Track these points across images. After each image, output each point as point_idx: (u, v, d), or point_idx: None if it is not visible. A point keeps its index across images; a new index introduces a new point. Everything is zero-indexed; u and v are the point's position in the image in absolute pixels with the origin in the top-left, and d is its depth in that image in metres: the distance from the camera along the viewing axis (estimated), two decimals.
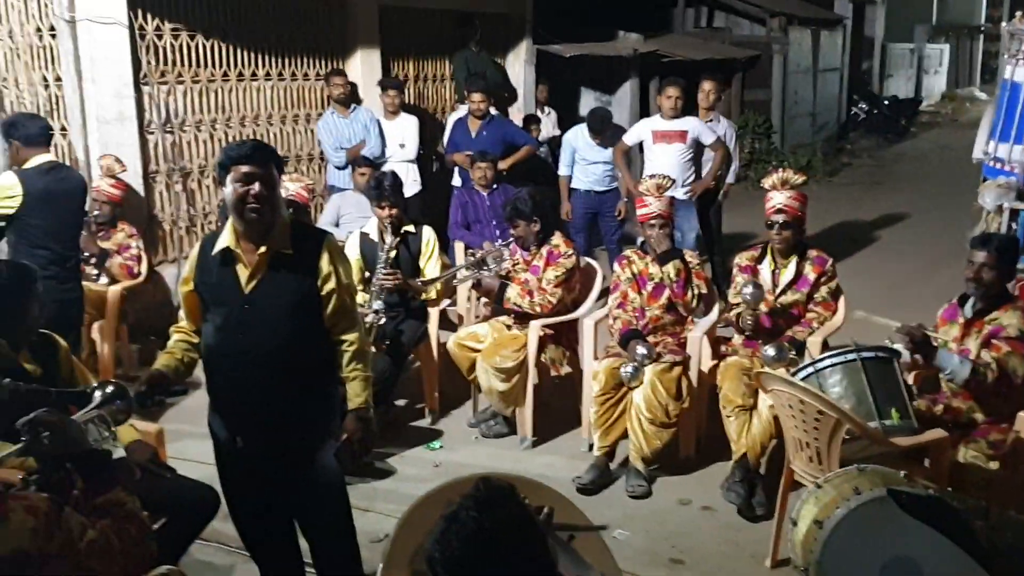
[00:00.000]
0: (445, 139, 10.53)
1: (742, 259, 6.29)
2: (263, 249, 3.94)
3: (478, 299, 7.58)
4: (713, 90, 9.60)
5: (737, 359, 6.03)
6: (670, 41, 16.30)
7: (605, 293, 6.97)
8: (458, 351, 6.80)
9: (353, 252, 6.82)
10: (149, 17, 8.70)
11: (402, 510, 3.34)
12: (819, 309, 6.08)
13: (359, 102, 10.32)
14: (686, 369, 6.09)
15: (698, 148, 9.24)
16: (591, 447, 6.30)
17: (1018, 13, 8.61)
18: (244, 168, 3.88)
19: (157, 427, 5.01)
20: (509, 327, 6.79)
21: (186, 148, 9.18)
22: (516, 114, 12.50)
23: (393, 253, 6.72)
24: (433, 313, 7.08)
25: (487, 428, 6.97)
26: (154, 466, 4.50)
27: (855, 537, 3.73)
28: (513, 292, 6.65)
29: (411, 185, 9.60)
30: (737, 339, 6.27)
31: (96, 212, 7.89)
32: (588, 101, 15.02)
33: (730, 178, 10.02)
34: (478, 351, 6.68)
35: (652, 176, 6.52)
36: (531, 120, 12.08)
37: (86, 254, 7.58)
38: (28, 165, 6.40)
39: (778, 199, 6.00)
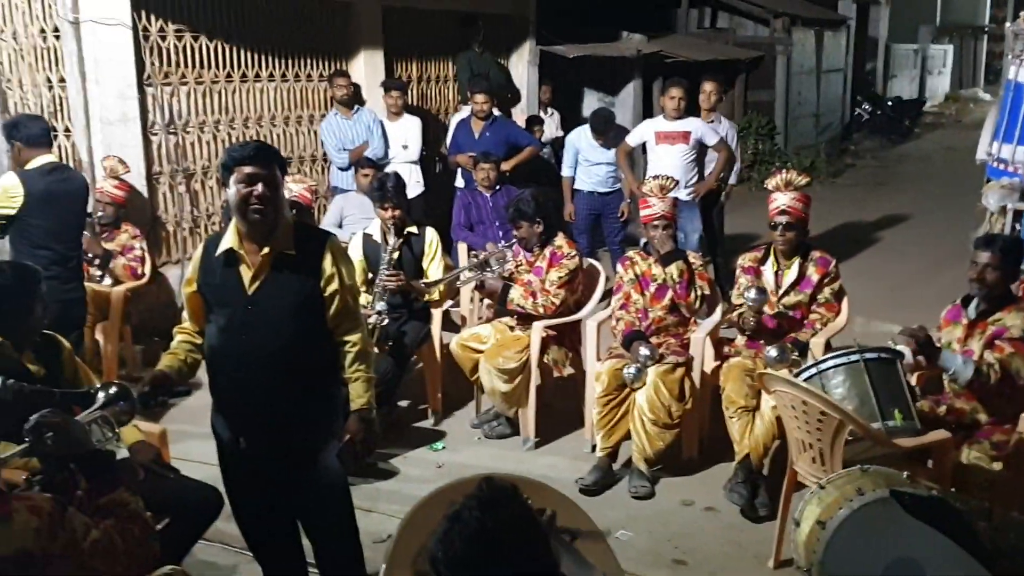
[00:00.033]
0: (448, 140, 10.54)
1: (745, 260, 6.29)
2: (266, 250, 3.95)
3: (481, 300, 7.58)
4: (714, 91, 9.60)
5: (740, 360, 6.02)
6: (673, 42, 16.30)
7: (608, 294, 6.97)
8: (461, 352, 6.80)
9: (356, 253, 6.82)
10: (153, 18, 8.70)
11: (405, 511, 3.35)
12: (822, 310, 6.08)
13: (362, 103, 10.32)
14: (689, 370, 6.10)
15: (701, 149, 9.24)
16: (594, 448, 6.31)
17: (1022, 13, 8.60)
18: (247, 169, 3.88)
19: (160, 428, 5.01)
20: (512, 328, 6.80)
21: (189, 149, 9.18)
22: (519, 115, 12.50)
23: (396, 254, 6.72)
24: (436, 314, 7.09)
25: (490, 429, 6.98)
26: (157, 467, 4.52)
27: (858, 538, 3.73)
28: (516, 293, 6.65)
29: (414, 186, 9.59)
30: (740, 340, 6.26)
31: (100, 213, 7.91)
32: (591, 102, 15.01)
33: (732, 179, 10.02)
34: (481, 352, 6.68)
35: (655, 177, 6.52)
36: (534, 121, 12.08)
37: (90, 255, 7.60)
38: (30, 166, 6.42)
39: (781, 200, 6.00)
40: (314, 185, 8.64)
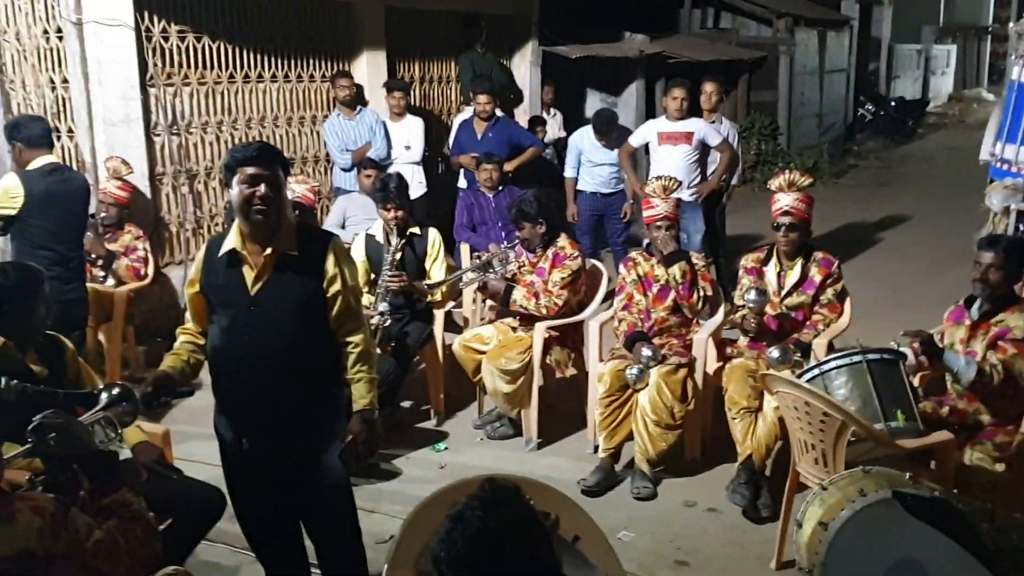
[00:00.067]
0: (451, 141, 10.53)
1: (748, 261, 6.28)
2: (269, 251, 3.95)
3: (483, 301, 7.58)
4: (715, 91, 9.59)
5: (743, 361, 6.02)
6: (676, 42, 16.29)
7: (610, 295, 6.97)
8: (463, 353, 6.81)
9: (359, 254, 6.83)
10: (156, 19, 8.71)
11: (407, 511, 3.35)
12: (825, 311, 6.07)
13: (365, 104, 10.32)
14: (691, 371, 6.10)
15: (704, 149, 9.24)
16: (596, 449, 6.31)
17: None
18: (250, 170, 3.88)
19: (163, 428, 5.02)
20: (514, 329, 6.80)
21: (192, 150, 9.19)
22: (522, 115, 12.51)
23: (398, 255, 6.72)
24: (438, 315, 7.09)
25: (492, 430, 6.98)
26: (160, 467, 4.52)
27: (860, 539, 3.73)
28: (519, 294, 6.65)
29: (417, 187, 9.60)
30: (742, 341, 6.26)
31: (103, 214, 7.92)
32: (594, 102, 15.01)
33: (733, 180, 10.02)
34: (483, 353, 6.68)
35: (658, 178, 6.52)
36: (537, 122, 12.09)
37: (93, 256, 7.61)
38: (31, 167, 6.46)
39: (784, 201, 5.99)
40: (317, 186, 8.64)
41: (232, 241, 4.00)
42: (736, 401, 5.79)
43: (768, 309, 6.02)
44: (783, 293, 6.08)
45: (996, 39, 38.00)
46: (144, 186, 8.63)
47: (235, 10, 9.45)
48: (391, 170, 8.39)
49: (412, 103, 10.85)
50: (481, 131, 9.96)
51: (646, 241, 6.70)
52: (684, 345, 6.28)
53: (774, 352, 5.74)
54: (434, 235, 6.95)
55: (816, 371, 4.91)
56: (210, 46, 9.22)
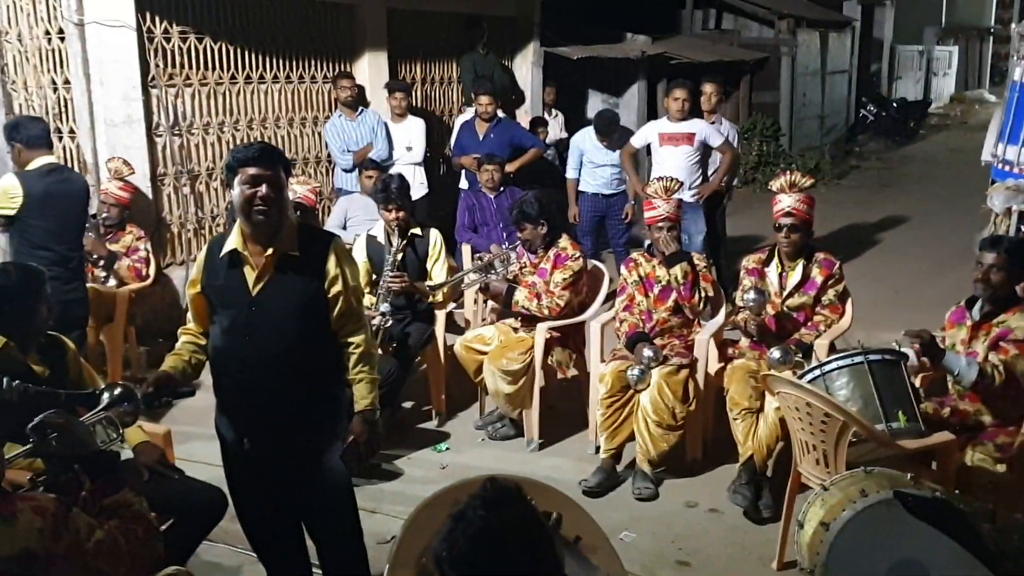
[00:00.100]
0: (452, 142, 10.54)
1: (749, 262, 6.28)
2: (270, 251, 3.95)
3: (485, 302, 7.58)
4: (714, 92, 9.59)
5: (744, 362, 6.02)
6: (678, 43, 16.30)
7: (612, 296, 6.97)
8: (465, 353, 6.81)
9: (360, 255, 6.83)
10: (157, 20, 8.71)
11: (408, 512, 3.35)
12: (826, 312, 6.07)
13: (366, 105, 10.33)
14: (693, 372, 6.10)
15: (705, 150, 9.24)
16: (597, 449, 6.31)
17: None
18: (251, 170, 3.88)
19: (165, 429, 5.02)
20: (516, 330, 6.80)
21: (194, 150, 9.20)
22: (523, 116, 12.51)
23: (400, 256, 6.72)
24: (440, 315, 7.09)
25: (494, 430, 6.98)
26: (162, 467, 4.52)
27: (861, 539, 3.73)
28: (521, 295, 6.65)
29: (418, 188, 9.60)
30: (744, 342, 6.25)
31: (104, 215, 7.94)
32: (595, 103, 15.01)
33: (734, 180, 10.01)
34: (485, 353, 6.69)
35: (660, 178, 6.52)
36: (538, 122, 12.09)
37: (94, 256, 7.63)
38: (30, 167, 6.49)
39: (786, 202, 5.99)
40: (318, 187, 8.65)
41: (233, 241, 4.00)
42: (737, 402, 5.78)
43: (769, 310, 6.01)
44: (784, 294, 6.08)
45: (998, 40, 38.00)
46: (145, 187, 8.63)
47: (237, 11, 9.45)
48: (392, 171, 8.38)
49: (414, 104, 10.85)
50: (483, 132, 9.96)
51: (647, 242, 6.70)
52: (685, 346, 6.28)
53: (775, 353, 5.74)
54: (435, 236, 6.95)
55: (817, 372, 4.91)
56: (212, 47, 9.22)
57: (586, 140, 9.99)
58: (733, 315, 6.31)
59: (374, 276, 6.80)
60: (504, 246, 7.28)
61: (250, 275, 3.99)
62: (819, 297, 6.07)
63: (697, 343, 6.27)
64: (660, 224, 6.28)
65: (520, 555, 2.40)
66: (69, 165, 8.37)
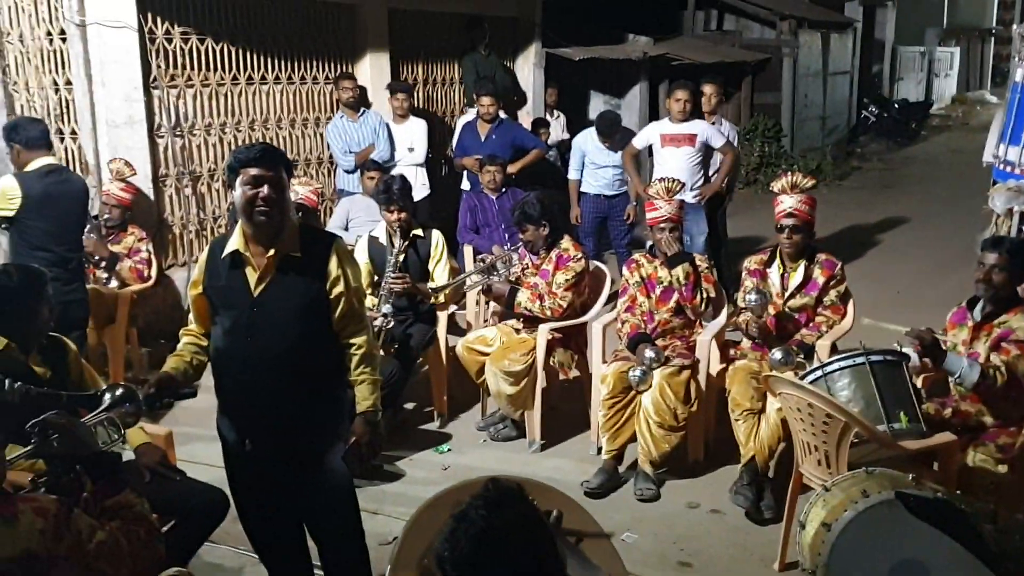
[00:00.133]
0: (454, 143, 10.54)
1: (751, 263, 6.28)
2: (272, 252, 3.95)
3: (487, 303, 7.58)
4: (714, 93, 9.59)
5: (746, 363, 6.02)
6: (680, 44, 16.30)
7: (614, 297, 6.97)
8: (467, 354, 6.81)
9: (362, 256, 6.84)
10: (159, 21, 8.71)
11: (410, 513, 3.35)
12: (828, 313, 6.07)
13: (368, 106, 10.33)
14: (695, 373, 6.09)
15: (707, 151, 9.23)
16: (599, 450, 6.30)
17: None
18: (253, 171, 3.88)
19: (166, 430, 5.02)
20: (518, 331, 6.80)
21: (196, 151, 9.20)
22: (525, 117, 12.51)
23: (402, 257, 6.73)
24: (442, 316, 7.09)
25: (495, 431, 6.97)
26: (163, 468, 4.53)
27: (863, 540, 3.73)
28: (524, 296, 6.65)
29: (420, 189, 9.59)
30: (746, 343, 6.25)
31: (106, 216, 7.94)
32: (597, 104, 15.02)
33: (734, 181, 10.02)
34: (487, 355, 6.69)
35: (661, 179, 6.52)
36: (540, 124, 12.09)
37: (96, 258, 7.63)
38: (29, 168, 6.50)
39: (788, 203, 5.99)
40: (320, 188, 8.65)
41: (235, 242, 4.00)
42: (739, 403, 5.78)
43: (771, 310, 6.01)
44: (786, 295, 6.08)
45: (999, 41, 38.01)
46: (147, 188, 8.63)
47: (238, 12, 9.46)
48: (394, 172, 8.39)
49: (415, 105, 10.86)
50: (484, 133, 9.96)
51: (649, 243, 6.70)
52: (687, 347, 6.27)
53: (777, 354, 5.74)
54: (437, 237, 6.96)
55: (819, 373, 4.91)
56: (213, 48, 9.22)
57: (588, 141, 9.99)
58: (735, 316, 6.31)
59: (376, 277, 6.80)
60: (506, 247, 7.28)
61: (252, 276, 3.99)
62: (821, 298, 6.07)
63: (699, 344, 6.26)
64: (662, 225, 6.28)
65: (522, 555, 2.41)
66: (71, 166, 8.40)
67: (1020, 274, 5.08)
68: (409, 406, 7.39)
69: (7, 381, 3.84)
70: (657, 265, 6.37)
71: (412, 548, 3.12)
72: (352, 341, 4.14)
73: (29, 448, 3.36)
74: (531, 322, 6.72)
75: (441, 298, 6.89)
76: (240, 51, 9.48)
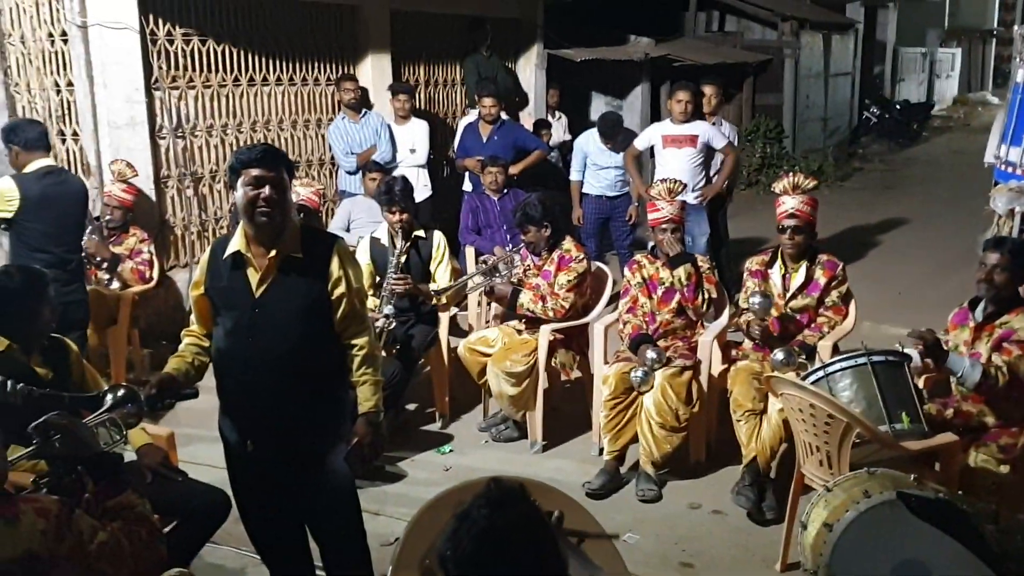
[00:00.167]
0: (456, 144, 10.53)
1: (753, 264, 6.28)
2: (273, 253, 3.95)
3: (488, 305, 7.58)
4: (714, 94, 9.60)
5: (747, 363, 6.02)
6: (681, 45, 16.30)
7: (616, 298, 6.97)
8: (468, 355, 6.81)
9: (364, 257, 6.84)
10: (160, 22, 8.72)
11: (412, 513, 3.35)
12: (830, 313, 6.07)
13: (370, 107, 10.34)
14: (696, 373, 6.09)
15: (708, 152, 9.24)
16: (601, 451, 6.29)
17: None
18: (255, 172, 3.89)
19: (168, 431, 5.02)
20: (520, 331, 6.80)
21: (197, 153, 9.21)
22: (527, 119, 12.51)
23: (403, 258, 6.73)
24: (443, 317, 7.09)
25: (497, 432, 6.97)
26: (165, 469, 4.52)
27: (865, 540, 3.73)
28: (526, 298, 6.65)
29: (422, 190, 9.60)
30: (747, 343, 6.25)
31: (108, 217, 7.94)
32: (599, 105, 15.03)
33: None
34: (488, 355, 6.68)
35: (663, 180, 6.52)
36: (542, 125, 12.08)
37: (97, 259, 7.63)
38: (27, 170, 6.50)
39: (789, 203, 5.99)
40: (321, 189, 8.65)
41: (237, 243, 4.01)
42: (741, 403, 5.78)
43: (772, 311, 6.01)
44: (788, 296, 6.08)
45: (1001, 42, 38.03)
46: (149, 189, 8.64)
47: (240, 13, 9.46)
48: (396, 173, 8.40)
49: (417, 106, 10.86)
50: (486, 134, 9.95)
51: (651, 244, 6.69)
52: (689, 347, 6.27)
53: (778, 354, 5.74)
54: (439, 238, 6.96)
55: (821, 373, 4.91)
56: (215, 49, 9.23)
57: (590, 142, 9.99)
58: (736, 317, 6.31)
59: (377, 278, 6.80)
60: (508, 248, 7.28)
61: (253, 277, 3.99)
62: (822, 299, 6.07)
63: (700, 345, 6.26)
64: (664, 226, 6.28)
65: (524, 555, 2.40)
66: (72, 168, 8.42)
67: (1022, 274, 5.07)
68: (411, 407, 7.39)
69: (9, 382, 3.84)
70: (659, 266, 6.37)
71: (413, 549, 3.12)
72: (354, 342, 4.14)
73: (31, 449, 3.36)
74: (533, 323, 6.72)
75: (443, 299, 6.89)
76: (242, 52, 9.49)
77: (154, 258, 8.10)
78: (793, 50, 17.92)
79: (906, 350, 4.89)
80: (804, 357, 5.82)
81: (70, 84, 8.39)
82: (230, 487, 4.37)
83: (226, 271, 4.04)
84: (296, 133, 10.20)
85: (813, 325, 6.06)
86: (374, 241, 7.00)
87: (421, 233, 6.88)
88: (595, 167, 9.94)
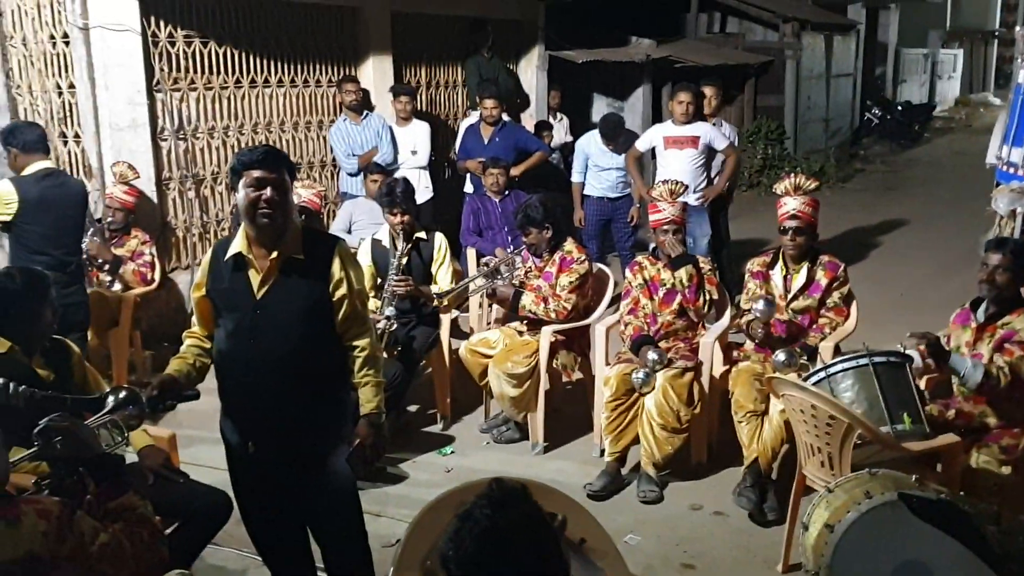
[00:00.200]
0: (457, 145, 10.53)
1: (754, 265, 6.28)
2: (275, 254, 3.95)
3: (490, 307, 7.58)
4: (714, 95, 9.59)
5: (749, 364, 6.02)
6: (683, 46, 16.31)
7: (617, 299, 6.97)
8: (470, 357, 6.80)
9: (365, 258, 6.85)
10: (162, 24, 8.72)
11: (413, 515, 3.35)
12: (831, 314, 6.07)
13: (371, 108, 10.34)
14: (698, 375, 6.09)
15: (710, 153, 9.24)
16: (602, 453, 6.29)
17: None
18: (256, 173, 3.89)
19: (169, 432, 5.02)
20: (521, 333, 6.80)
21: (199, 155, 9.21)
22: (528, 120, 12.51)
23: (405, 259, 6.73)
24: (445, 319, 7.09)
25: (498, 434, 6.97)
26: (166, 471, 4.52)
27: (866, 541, 3.73)
28: (528, 299, 6.65)
29: (423, 191, 9.61)
30: (749, 345, 6.26)
31: (109, 219, 7.95)
32: (600, 107, 15.04)
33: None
34: (490, 357, 6.68)
35: (665, 182, 6.53)
36: (543, 126, 12.08)
37: (99, 261, 7.64)
38: (25, 172, 6.51)
39: (791, 205, 5.99)
40: (323, 191, 8.64)
41: (238, 245, 4.01)
42: (742, 404, 5.78)
43: (779, 316, 6.01)
44: (789, 297, 6.08)
45: (1002, 43, 38.05)
46: (151, 191, 8.65)
47: (241, 15, 9.47)
48: (397, 175, 8.40)
49: (418, 108, 10.87)
50: (487, 136, 9.95)
51: (652, 245, 6.70)
52: (690, 349, 6.27)
53: (780, 355, 5.74)
54: (440, 239, 6.96)
55: (822, 374, 4.90)
56: (216, 51, 9.23)
57: (591, 144, 9.99)
58: (737, 318, 6.31)
59: (379, 280, 6.80)
60: (509, 250, 7.28)
61: (255, 278, 3.99)
62: (824, 300, 6.07)
63: (702, 346, 6.26)
64: (665, 227, 6.29)
65: (526, 555, 2.41)
66: (74, 170, 8.43)
67: (1023, 275, 5.08)
68: (412, 408, 7.39)
69: (12, 385, 3.84)
70: (660, 267, 6.37)
71: (415, 550, 3.12)
72: (355, 343, 4.15)
73: (33, 450, 3.36)
74: (534, 324, 6.72)
75: (444, 301, 6.88)
76: (243, 54, 9.50)
77: (156, 260, 8.10)
78: (795, 51, 17.92)
79: (907, 351, 4.89)
80: (806, 358, 5.83)
81: (72, 86, 8.39)
82: (231, 489, 4.38)
83: (227, 273, 4.04)
84: (297, 135, 10.21)
85: (814, 326, 6.06)
86: (375, 243, 7.01)
87: (422, 235, 6.89)
88: (596, 168, 9.95)
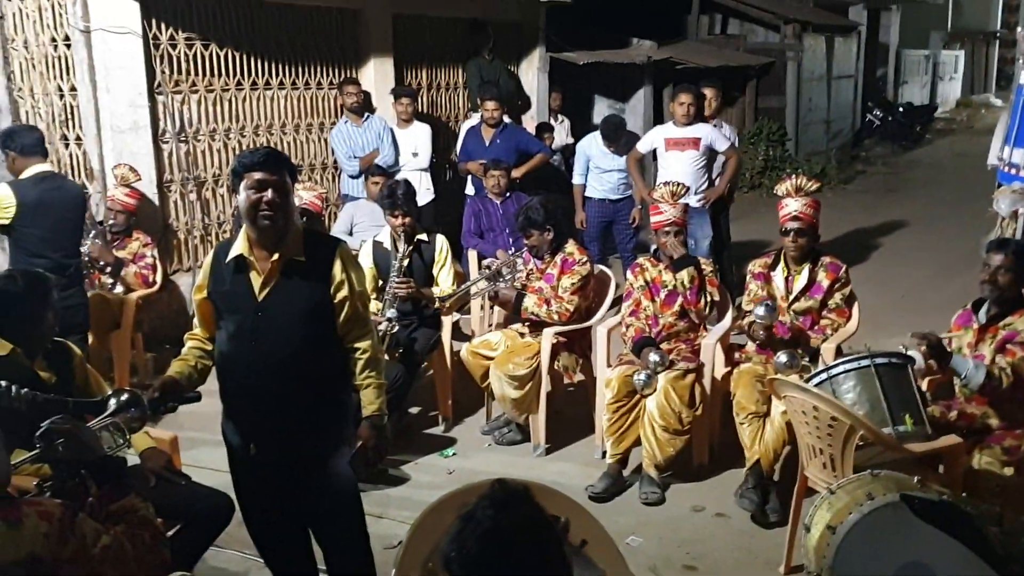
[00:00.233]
0: (458, 147, 10.54)
1: (755, 266, 6.28)
2: (276, 256, 3.95)
3: (492, 308, 7.58)
4: (714, 97, 9.60)
5: (750, 366, 6.02)
6: (684, 48, 16.32)
7: (618, 301, 6.97)
8: (471, 359, 6.80)
9: (366, 260, 6.84)
10: (163, 26, 8.72)
11: (415, 516, 3.34)
12: (833, 316, 6.07)
13: (372, 111, 10.35)
14: (699, 376, 6.09)
15: (711, 155, 9.24)
16: (604, 454, 6.29)
17: None
18: (257, 175, 3.89)
19: (171, 434, 5.02)
20: (522, 335, 6.79)
21: (200, 157, 9.21)
22: (529, 122, 12.50)
23: (406, 261, 6.73)
24: (446, 321, 7.09)
25: (500, 435, 6.97)
26: (168, 473, 4.52)
27: (868, 542, 3.72)
28: (530, 301, 6.65)
29: (424, 193, 9.61)
30: (750, 346, 6.25)
31: (111, 221, 7.96)
32: (602, 109, 15.04)
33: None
34: (491, 359, 6.68)
35: (666, 183, 6.53)
36: (544, 128, 12.07)
37: (101, 263, 7.65)
38: (24, 175, 6.52)
39: (792, 206, 5.99)
40: (324, 193, 8.65)
41: (239, 247, 4.00)
42: (744, 406, 5.78)
43: (783, 318, 6.01)
44: (791, 298, 6.08)
45: (1004, 44, 38.07)
46: (152, 193, 8.65)
47: (243, 17, 9.47)
48: (398, 177, 8.39)
49: (419, 110, 10.86)
50: (489, 137, 9.96)
51: (654, 247, 6.69)
52: (692, 350, 6.27)
53: (782, 357, 5.74)
54: (441, 241, 6.96)
55: (824, 375, 4.90)
56: (218, 53, 9.24)
57: (592, 145, 9.99)
58: (739, 320, 6.31)
59: (380, 282, 6.80)
60: (510, 252, 7.28)
61: (256, 280, 3.99)
62: (825, 301, 6.07)
63: (703, 348, 6.26)
64: (667, 229, 6.29)
65: (529, 556, 2.40)
66: (76, 172, 8.45)
67: None
68: (414, 410, 7.39)
69: (14, 388, 3.84)
70: (661, 269, 6.37)
71: (416, 552, 3.12)
72: (357, 345, 4.15)
73: (34, 452, 3.36)
74: (536, 326, 6.72)
75: (446, 303, 6.89)
76: (244, 56, 9.50)
77: (157, 262, 8.10)
78: (796, 53, 17.93)
79: (909, 352, 4.89)
80: (807, 359, 5.83)
81: (73, 89, 8.40)
82: (233, 491, 4.37)
83: (229, 275, 4.04)
84: (299, 137, 10.21)
85: (816, 327, 6.06)
86: (377, 245, 7.01)
87: (424, 237, 6.89)
88: (598, 170, 9.94)
